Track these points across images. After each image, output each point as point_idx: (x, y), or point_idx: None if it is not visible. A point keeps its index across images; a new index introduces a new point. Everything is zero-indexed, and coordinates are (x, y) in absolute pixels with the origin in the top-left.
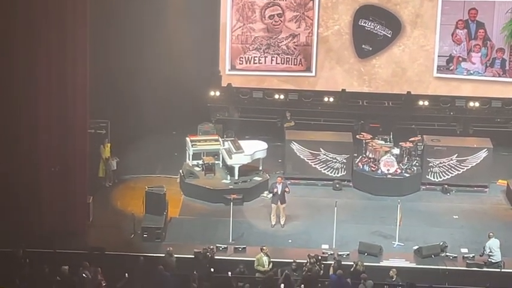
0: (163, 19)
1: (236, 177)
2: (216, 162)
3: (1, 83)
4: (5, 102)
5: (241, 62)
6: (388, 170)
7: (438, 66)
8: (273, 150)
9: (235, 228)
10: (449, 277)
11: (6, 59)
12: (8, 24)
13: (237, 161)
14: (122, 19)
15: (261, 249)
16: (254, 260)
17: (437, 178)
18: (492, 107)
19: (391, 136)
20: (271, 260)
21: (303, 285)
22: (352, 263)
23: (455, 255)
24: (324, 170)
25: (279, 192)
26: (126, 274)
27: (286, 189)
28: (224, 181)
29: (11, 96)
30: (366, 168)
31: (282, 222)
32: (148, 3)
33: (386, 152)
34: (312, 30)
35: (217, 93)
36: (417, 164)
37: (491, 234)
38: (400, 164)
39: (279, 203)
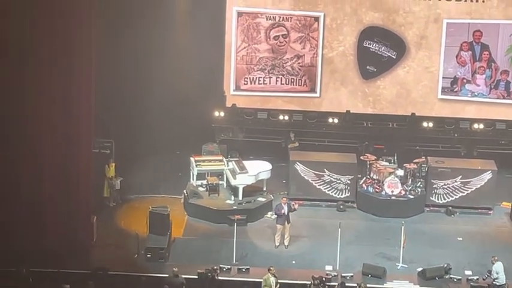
0: (168, 39)
1: (240, 198)
2: (220, 182)
3: (5, 102)
4: (9, 122)
5: (246, 83)
6: (392, 191)
7: (443, 87)
8: (277, 171)
9: (238, 248)
10: None
11: (12, 77)
12: (14, 44)
13: (241, 181)
14: (127, 40)
15: (269, 270)
16: (260, 281)
17: (441, 200)
18: (496, 129)
19: (396, 157)
20: (279, 280)
21: None
22: (356, 285)
23: (459, 277)
24: (328, 191)
25: (286, 213)
26: None
27: (296, 206)
28: (228, 201)
29: (16, 116)
30: (370, 189)
31: (286, 243)
32: (154, 24)
33: (390, 174)
34: (316, 51)
35: (222, 114)
36: (421, 185)
37: (496, 257)
38: (404, 186)
39: (285, 223)
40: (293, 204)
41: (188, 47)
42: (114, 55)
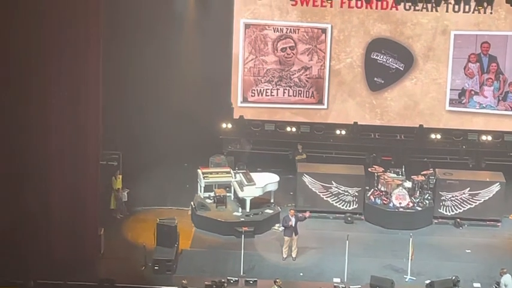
0: (176, 51)
1: (247, 210)
2: (228, 194)
3: (13, 115)
4: (17, 134)
5: (253, 95)
6: (400, 203)
7: (450, 99)
8: (284, 182)
9: (246, 260)
10: None
11: (19, 90)
12: (21, 56)
13: (249, 193)
14: (135, 52)
15: (275, 282)
16: None
17: (449, 212)
18: (505, 140)
19: (403, 169)
20: None
21: None
22: None
23: None
24: (336, 203)
25: (293, 225)
26: None
27: (307, 214)
28: (235, 213)
29: (23, 128)
30: (378, 201)
31: (293, 255)
32: (162, 37)
33: (398, 185)
34: (324, 63)
35: (229, 126)
36: (429, 197)
37: (504, 270)
38: (412, 198)
39: (293, 235)
40: (303, 215)
41: (195, 58)
42: (121, 67)
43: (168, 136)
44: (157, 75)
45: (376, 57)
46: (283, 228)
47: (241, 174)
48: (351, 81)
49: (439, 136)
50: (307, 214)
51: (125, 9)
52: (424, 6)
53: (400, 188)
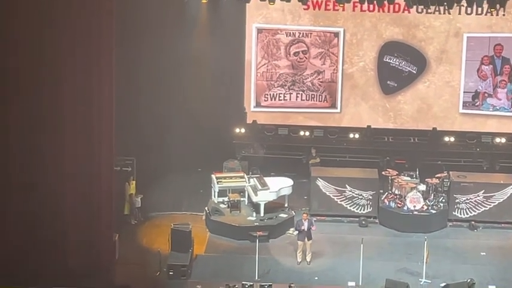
0: (188, 56)
1: (262, 214)
2: (242, 199)
3: (26, 122)
4: (30, 141)
5: (266, 99)
6: (414, 206)
7: (464, 102)
8: (298, 187)
9: (261, 265)
10: None
11: (32, 97)
12: (33, 63)
13: (263, 197)
14: (147, 57)
15: (289, 287)
16: None
17: (464, 214)
18: None
19: (417, 172)
20: None
21: None
22: None
23: None
24: (350, 206)
25: (306, 229)
26: None
27: (313, 228)
28: (250, 218)
29: (36, 135)
30: (392, 204)
31: (308, 259)
32: (174, 42)
33: (412, 189)
34: (336, 66)
35: (243, 130)
36: (443, 200)
37: None
38: (427, 201)
39: (305, 239)
40: (311, 227)
41: (208, 64)
42: (135, 73)
43: (182, 141)
44: (170, 80)
45: (389, 61)
46: (297, 232)
47: (255, 178)
48: (364, 84)
49: (452, 139)
50: (314, 228)
51: (138, 15)
52: (437, 9)
53: (414, 191)
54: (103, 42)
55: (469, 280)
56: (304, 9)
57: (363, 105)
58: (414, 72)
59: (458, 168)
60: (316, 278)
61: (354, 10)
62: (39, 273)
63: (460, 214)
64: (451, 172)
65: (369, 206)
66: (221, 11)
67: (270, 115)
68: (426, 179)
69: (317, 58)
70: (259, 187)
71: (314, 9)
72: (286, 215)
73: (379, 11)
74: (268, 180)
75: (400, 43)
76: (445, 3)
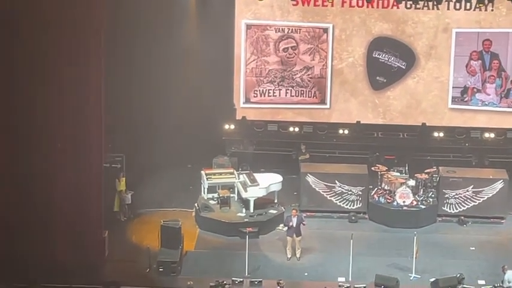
0: (178, 53)
1: (251, 210)
2: (231, 195)
3: (16, 117)
4: (19, 137)
5: (255, 95)
6: (403, 201)
7: (453, 97)
8: (288, 183)
9: (251, 261)
10: None
11: (21, 95)
12: (24, 61)
13: (252, 194)
14: (136, 53)
15: (278, 283)
16: None
17: (453, 210)
18: (507, 137)
19: (407, 168)
20: None
21: None
22: None
23: (473, 287)
24: (340, 202)
25: (294, 225)
26: None
27: (304, 223)
28: (239, 214)
29: (26, 132)
30: (382, 200)
31: (297, 255)
32: (163, 37)
33: (401, 184)
34: (326, 62)
35: (232, 127)
36: (433, 195)
37: (506, 266)
38: (416, 196)
39: (294, 235)
40: (302, 223)
41: (197, 60)
42: (124, 70)
43: (171, 138)
44: (159, 77)
45: (378, 56)
46: (286, 228)
47: (244, 175)
48: (353, 80)
49: (442, 134)
50: (304, 223)
51: (127, 11)
52: (425, 4)
53: (404, 186)
54: (92, 38)
55: (458, 275)
56: (293, 5)
57: (352, 101)
58: (403, 67)
59: (447, 164)
60: (306, 273)
61: (343, 6)
62: (28, 270)
63: (450, 209)
64: (440, 167)
65: (358, 201)
66: (210, 8)
67: (260, 111)
68: (415, 175)
69: (306, 54)
70: (249, 183)
71: (303, 5)
72: (276, 211)
73: (368, 6)
74: (258, 176)
75: (389, 39)
76: None
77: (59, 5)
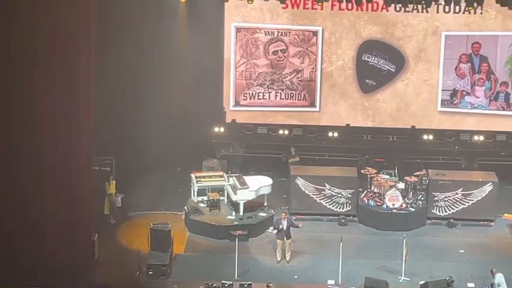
0: (167, 56)
1: (241, 213)
2: (221, 198)
3: (5, 120)
4: (9, 140)
5: (245, 98)
6: (393, 204)
7: (442, 100)
8: (278, 185)
9: (240, 264)
10: None
11: (11, 98)
12: (12, 62)
13: (242, 196)
14: (126, 56)
15: (267, 286)
16: None
17: (442, 212)
18: (497, 140)
19: (396, 170)
20: None
21: None
22: None
23: None
24: (329, 205)
25: (284, 228)
26: None
27: (300, 225)
28: (229, 217)
29: (16, 135)
30: (371, 203)
31: (287, 258)
32: (153, 40)
33: (391, 187)
34: (315, 65)
35: (222, 129)
36: (422, 198)
37: (494, 270)
38: (406, 199)
39: (284, 238)
40: (296, 224)
41: (187, 63)
42: (113, 73)
43: (161, 141)
44: (149, 80)
45: (368, 59)
46: (276, 231)
47: (234, 177)
48: (343, 83)
49: (431, 137)
50: (300, 224)
51: (116, 15)
52: (415, 7)
53: (393, 189)
54: (82, 39)
55: (448, 278)
56: (283, 8)
57: (341, 103)
58: (393, 70)
59: (436, 166)
60: (296, 276)
61: (332, 9)
62: (18, 273)
63: (439, 212)
64: (429, 170)
65: (348, 204)
66: (200, 11)
67: (249, 114)
68: (405, 177)
69: (296, 57)
70: (239, 186)
71: (293, 8)
72: (266, 214)
73: (357, 9)
74: (248, 179)
75: (378, 42)
76: (423, 2)
77: (46, 6)
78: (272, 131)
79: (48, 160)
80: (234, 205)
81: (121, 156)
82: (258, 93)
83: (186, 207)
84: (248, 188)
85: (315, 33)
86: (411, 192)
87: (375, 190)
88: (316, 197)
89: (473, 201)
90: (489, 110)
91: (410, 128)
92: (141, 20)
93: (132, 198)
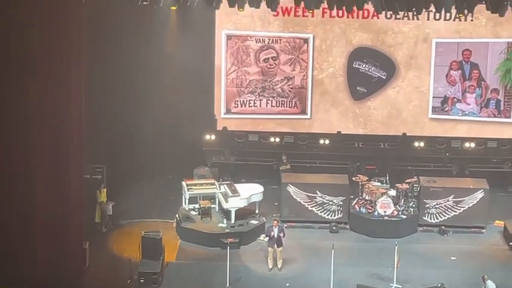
0: (158, 63)
1: (232, 221)
2: (213, 206)
3: None
4: None
5: (236, 106)
6: (384, 211)
7: (433, 107)
8: (269, 193)
9: (232, 272)
10: None
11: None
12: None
13: (233, 204)
14: (117, 64)
15: None
16: None
17: (434, 219)
18: (488, 147)
19: (387, 178)
20: None
21: None
22: None
23: None
24: (321, 212)
25: (276, 236)
26: None
27: (281, 234)
28: (220, 225)
29: (5, 145)
30: (363, 210)
31: (279, 266)
32: (144, 48)
33: (382, 194)
34: (306, 73)
35: (213, 137)
36: (414, 205)
37: (486, 276)
38: (397, 206)
39: (275, 246)
40: (283, 233)
41: (178, 70)
42: (104, 81)
43: (152, 149)
44: (140, 87)
45: (359, 66)
46: (267, 238)
47: (225, 185)
48: (334, 90)
49: (422, 144)
50: (282, 235)
51: (107, 22)
52: (405, 14)
53: (385, 196)
54: (74, 48)
55: (439, 285)
56: (274, 15)
57: (332, 111)
58: (383, 77)
59: (428, 173)
60: (288, 284)
61: (323, 16)
62: (8, 282)
63: (430, 219)
64: (421, 177)
65: (339, 211)
66: (191, 18)
67: (240, 121)
68: (396, 184)
69: (287, 64)
70: (230, 194)
71: (283, 16)
72: (257, 222)
73: (348, 17)
74: (239, 186)
75: (369, 49)
76: (414, 9)
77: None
78: (263, 138)
79: (39, 168)
80: (226, 213)
81: (112, 165)
82: (249, 100)
83: (177, 215)
84: (239, 195)
85: (305, 40)
86: (402, 200)
87: (367, 197)
88: (308, 205)
89: (464, 208)
90: (480, 117)
91: (401, 135)
92: (131, 29)
93: (123, 206)
